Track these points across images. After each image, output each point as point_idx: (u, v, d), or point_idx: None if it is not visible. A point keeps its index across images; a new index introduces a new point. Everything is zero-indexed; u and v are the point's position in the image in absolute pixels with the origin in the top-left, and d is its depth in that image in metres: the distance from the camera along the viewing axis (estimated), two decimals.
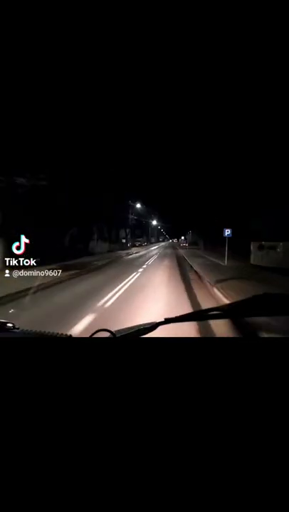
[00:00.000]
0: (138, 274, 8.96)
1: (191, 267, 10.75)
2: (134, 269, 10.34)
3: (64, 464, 0.40)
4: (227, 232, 9.95)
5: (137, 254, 21.26)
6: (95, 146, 12.78)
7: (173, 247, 39.92)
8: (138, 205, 30.09)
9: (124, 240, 28.92)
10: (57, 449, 0.42)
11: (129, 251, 24.75)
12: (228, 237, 10.09)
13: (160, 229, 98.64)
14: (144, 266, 12.03)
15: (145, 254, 22.62)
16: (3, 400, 0.51)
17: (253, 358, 0.60)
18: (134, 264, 12.80)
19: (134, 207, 29.23)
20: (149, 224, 53.86)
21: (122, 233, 29.05)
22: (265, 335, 1.66)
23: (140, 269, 10.44)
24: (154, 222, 61.76)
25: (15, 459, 0.41)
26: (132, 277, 8.17)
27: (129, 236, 30.28)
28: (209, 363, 0.58)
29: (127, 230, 28.09)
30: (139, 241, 42.17)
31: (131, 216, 29.13)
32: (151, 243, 60.54)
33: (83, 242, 17.50)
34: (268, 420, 0.46)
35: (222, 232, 10.06)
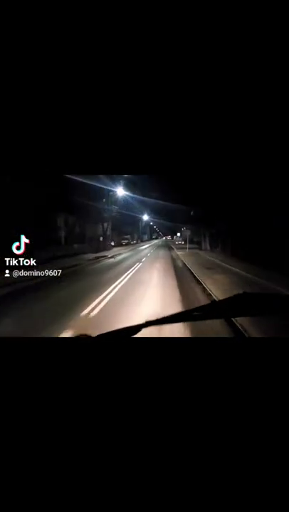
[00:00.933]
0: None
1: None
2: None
3: (54, 465, 0.41)
4: None
5: (111, 261, 13.24)
6: None
7: (167, 246, 32.73)
8: (121, 193, 22.03)
9: (101, 238, 20.98)
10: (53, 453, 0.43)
11: (105, 253, 17.03)
12: None
13: (153, 225, 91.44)
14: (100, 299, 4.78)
15: (126, 259, 14.40)
16: None
17: (237, 359, 0.60)
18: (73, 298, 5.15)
19: (114, 196, 21.21)
20: (140, 220, 46.44)
21: (99, 230, 21.12)
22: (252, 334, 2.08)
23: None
24: (146, 218, 54.85)
25: (11, 459, 0.42)
26: None
27: (109, 233, 22.30)
28: (190, 364, 0.58)
29: (105, 225, 20.07)
30: (126, 239, 34.64)
31: (111, 207, 21.20)
32: (143, 241, 53.28)
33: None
34: (257, 417, 0.47)
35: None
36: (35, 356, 0.63)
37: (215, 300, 1.46)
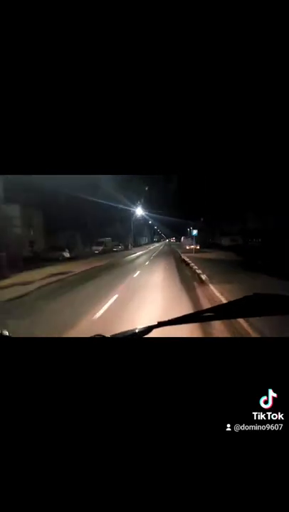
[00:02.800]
0: None
1: None
2: None
3: (60, 465, 0.43)
4: None
5: None
6: None
7: (172, 252, 20.11)
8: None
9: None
10: (52, 452, 0.45)
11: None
12: None
13: (154, 226, 78.58)
14: None
15: None
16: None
17: (242, 357, 0.60)
18: None
19: None
20: (130, 216, 32.90)
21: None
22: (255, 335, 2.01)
23: None
24: (139, 212, 37.06)
25: (14, 459, 0.44)
26: None
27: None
28: (201, 363, 0.58)
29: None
30: (101, 244, 21.81)
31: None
32: (140, 245, 39.90)
33: None
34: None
35: None
36: (50, 356, 0.63)
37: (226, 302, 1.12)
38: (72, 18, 0.53)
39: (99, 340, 0.74)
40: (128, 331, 0.78)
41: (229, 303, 0.81)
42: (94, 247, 21.22)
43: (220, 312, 0.83)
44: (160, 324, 0.75)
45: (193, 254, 15.34)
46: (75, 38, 0.55)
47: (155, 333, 0.75)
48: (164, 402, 0.50)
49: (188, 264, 10.28)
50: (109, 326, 3.27)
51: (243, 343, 0.67)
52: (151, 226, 70.86)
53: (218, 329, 2.73)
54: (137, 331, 0.77)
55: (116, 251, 22.95)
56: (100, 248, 21.22)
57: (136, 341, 0.75)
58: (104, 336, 0.75)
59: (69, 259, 15.41)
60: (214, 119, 0.63)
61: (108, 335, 0.76)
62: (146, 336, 0.74)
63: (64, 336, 1.61)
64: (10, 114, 0.61)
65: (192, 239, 20.99)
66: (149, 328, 0.76)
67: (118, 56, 0.57)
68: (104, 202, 21.58)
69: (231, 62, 0.57)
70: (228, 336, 2.62)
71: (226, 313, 0.87)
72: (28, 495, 0.40)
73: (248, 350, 0.59)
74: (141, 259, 14.78)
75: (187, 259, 11.93)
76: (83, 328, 3.25)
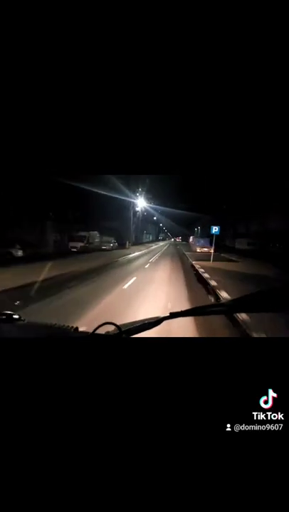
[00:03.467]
0: None
1: None
2: None
3: (64, 461, 0.43)
4: None
5: None
6: None
7: (179, 257, 14.62)
8: None
9: None
10: (58, 446, 0.45)
11: None
12: None
13: (159, 224, 73.10)
14: None
15: None
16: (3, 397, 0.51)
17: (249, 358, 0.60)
18: None
19: None
20: (128, 206, 26.82)
21: None
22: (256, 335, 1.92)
23: None
24: (141, 204, 30.35)
25: (16, 456, 0.43)
26: None
27: None
28: (209, 364, 0.58)
29: None
30: (81, 239, 15.94)
31: None
32: (140, 243, 34.34)
33: None
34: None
35: None
36: (64, 350, 0.61)
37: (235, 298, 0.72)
38: (72, 18, 0.53)
39: (99, 337, 0.73)
40: (140, 321, 0.77)
41: (243, 297, 0.76)
42: (71, 244, 15.47)
43: (233, 306, 0.82)
44: (172, 315, 0.75)
45: (210, 264, 9.94)
46: (76, 39, 0.55)
47: (156, 333, 0.73)
48: (165, 402, 0.50)
49: (213, 291, 5.02)
50: None
51: (243, 343, 0.67)
52: (155, 223, 65.44)
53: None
54: (148, 321, 0.75)
55: (105, 249, 17.23)
56: (79, 245, 15.35)
57: (136, 340, 0.74)
58: (116, 325, 0.74)
59: (16, 261, 9.80)
60: (221, 116, 0.61)
61: (118, 323, 0.76)
62: (146, 336, 0.74)
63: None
64: (10, 114, 0.61)
65: (206, 239, 15.76)
66: (161, 319, 0.75)
67: (119, 57, 0.56)
68: (102, 192, 16.31)
69: (234, 60, 0.56)
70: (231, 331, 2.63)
71: (239, 306, 0.86)
72: (28, 494, 0.41)
73: (248, 350, 0.59)
74: (130, 268, 9.44)
75: (208, 277, 6.62)
76: None
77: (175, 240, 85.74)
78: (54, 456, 0.44)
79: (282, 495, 0.41)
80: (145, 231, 50.84)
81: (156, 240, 67.55)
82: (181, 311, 0.76)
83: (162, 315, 0.77)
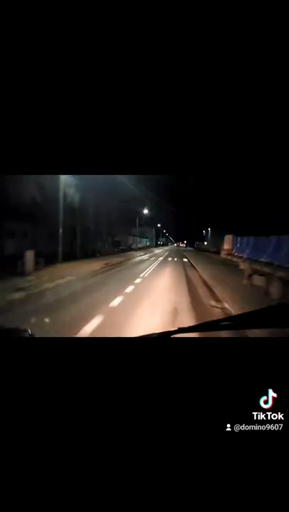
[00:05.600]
0: None
1: None
2: None
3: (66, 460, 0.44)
4: None
5: None
6: None
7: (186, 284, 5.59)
8: None
9: None
10: (57, 448, 0.45)
11: None
12: None
13: (161, 228, 63.43)
14: None
15: None
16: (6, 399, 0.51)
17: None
18: None
19: None
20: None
21: None
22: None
23: None
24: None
25: (18, 455, 0.44)
26: None
27: None
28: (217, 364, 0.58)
29: None
30: None
31: None
32: (131, 249, 26.04)
33: None
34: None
35: None
36: (73, 355, 0.63)
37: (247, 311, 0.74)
38: (72, 17, 0.53)
39: (104, 340, 0.74)
40: (146, 335, 0.76)
41: (252, 312, 0.75)
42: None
43: (242, 321, 0.81)
44: (180, 330, 0.75)
45: None
46: (74, 38, 0.54)
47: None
48: (165, 402, 0.50)
49: None
50: None
51: (243, 343, 0.67)
52: (155, 227, 55.94)
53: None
54: (155, 335, 0.75)
55: None
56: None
57: (136, 340, 0.74)
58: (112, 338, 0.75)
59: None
60: (219, 115, 0.61)
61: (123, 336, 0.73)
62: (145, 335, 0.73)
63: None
64: (10, 114, 0.60)
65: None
66: (169, 334, 0.74)
67: (118, 56, 0.56)
68: None
69: (234, 59, 0.56)
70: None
71: (249, 322, 0.82)
72: (27, 493, 0.41)
73: (248, 350, 0.59)
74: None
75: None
76: None
77: (178, 245, 75.49)
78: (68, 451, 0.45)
79: (282, 495, 0.41)
80: (141, 235, 41.44)
81: (156, 245, 57.66)
82: (190, 327, 0.76)
83: (172, 329, 0.76)
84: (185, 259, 16.35)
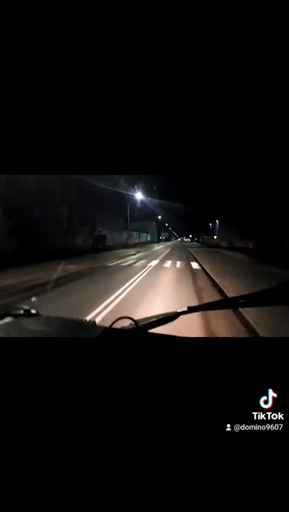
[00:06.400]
0: None
1: None
2: None
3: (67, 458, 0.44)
4: None
5: None
6: None
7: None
8: None
9: None
10: (64, 443, 0.46)
11: None
12: None
13: (164, 223, 58.16)
14: None
15: None
16: (14, 392, 0.51)
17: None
18: None
19: None
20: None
21: None
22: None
23: None
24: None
25: (19, 453, 0.44)
26: None
27: None
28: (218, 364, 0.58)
29: None
30: None
31: None
32: (123, 247, 21.24)
33: None
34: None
35: None
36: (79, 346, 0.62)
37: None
38: (72, 17, 0.53)
39: (115, 332, 0.73)
40: (155, 316, 0.76)
41: (263, 290, 0.74)
42: None
43: (253, 299, 0.81)
44: (190, 310, 0.74)
45: None
46: (75, 37, 0.54)
47: (157, 331, 0.73)
48: (165, 402, 0.50)
49: None
50: None
51: (243, 343, 0.67)
52: (156, 219, 50.71)
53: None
54: (164, 316, 0.75)
55: None
56: None
57: (136, 339, 0.73)
58: (132, 320, 0.74)
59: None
60: (219, 116, 0.60)
61: (136, 318, 0.76)
62: (149, 331, 0.73)
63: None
64: (10, 114, 0.60)
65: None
66: (178, 314, 0.75)
67: (119, 56, 0.56)
68: None
69: (234, 59, 0.55)
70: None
71: (260, 300, 0.83)
72: (27, 493, 0.41)
73: (248, 350, 0.59)
74: None
75: None
76: None
77: (182, 240, 70.24)
78: (66, 450, 0.44)
79: (282, 495, 0.42)
80: (141, 230, 36.36)
81: (158, 240, 52.49)
82: (199, 306, 0.75)
83: (179, 310, 0.76)
84: (196, 265, 9.47)
